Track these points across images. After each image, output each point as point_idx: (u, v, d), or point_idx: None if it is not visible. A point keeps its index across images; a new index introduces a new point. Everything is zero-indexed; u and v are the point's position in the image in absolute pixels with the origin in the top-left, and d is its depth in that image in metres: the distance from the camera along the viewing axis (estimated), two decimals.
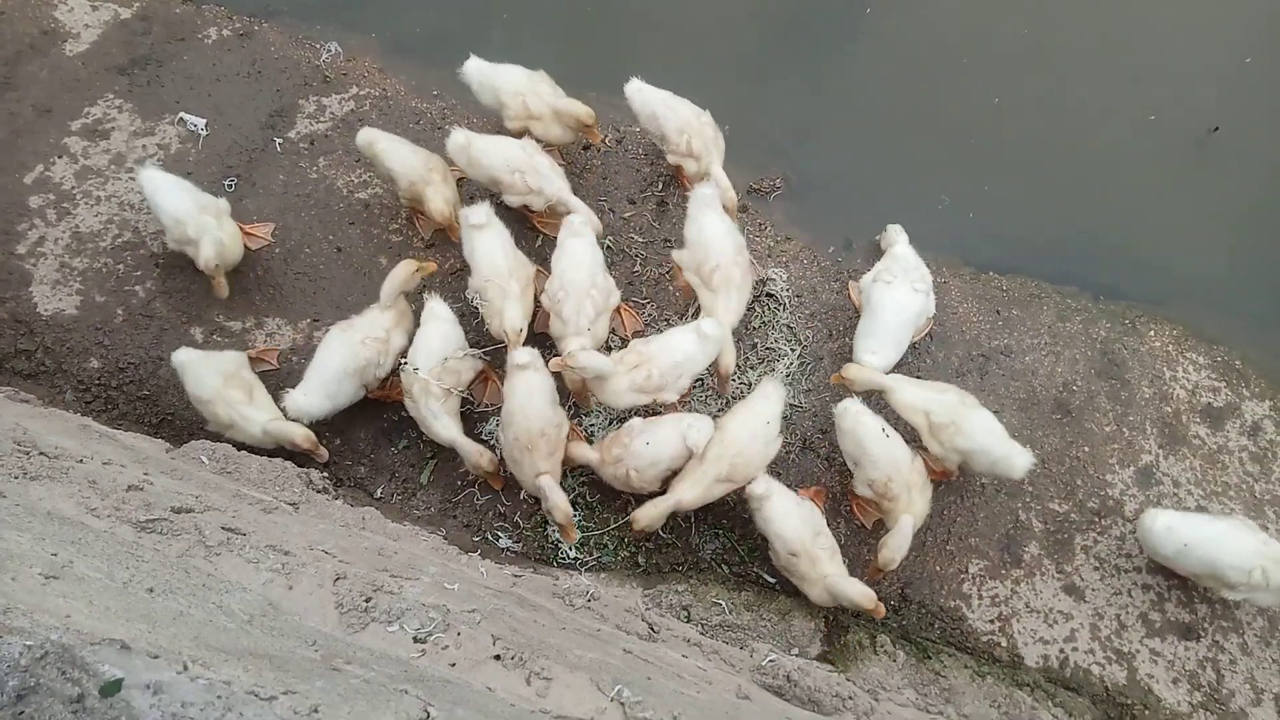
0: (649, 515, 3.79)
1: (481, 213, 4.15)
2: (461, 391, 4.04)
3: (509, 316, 3.98)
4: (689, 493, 3.79)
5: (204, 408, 3.89)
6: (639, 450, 3.81)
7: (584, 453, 3.91)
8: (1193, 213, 4.99)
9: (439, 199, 4.36)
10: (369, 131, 4.44)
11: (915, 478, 3.86)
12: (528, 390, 3.79)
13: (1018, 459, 3.89)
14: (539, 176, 4.38)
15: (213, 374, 3.89)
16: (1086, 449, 4.40)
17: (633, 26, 5.44)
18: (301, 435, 3.86)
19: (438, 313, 4.08)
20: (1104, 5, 5.47)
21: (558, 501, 3.78)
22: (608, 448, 3.89)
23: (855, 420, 3.84)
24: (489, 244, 4.13)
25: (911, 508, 3.82)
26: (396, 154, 4.40)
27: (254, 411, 3.87)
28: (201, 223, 4.15)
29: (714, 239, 4.14)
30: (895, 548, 3.75)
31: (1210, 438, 4.45)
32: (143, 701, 1.22)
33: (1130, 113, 5.19)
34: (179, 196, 4.20)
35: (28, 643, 1.13)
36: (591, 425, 4.29)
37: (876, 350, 4.14)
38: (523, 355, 3.82)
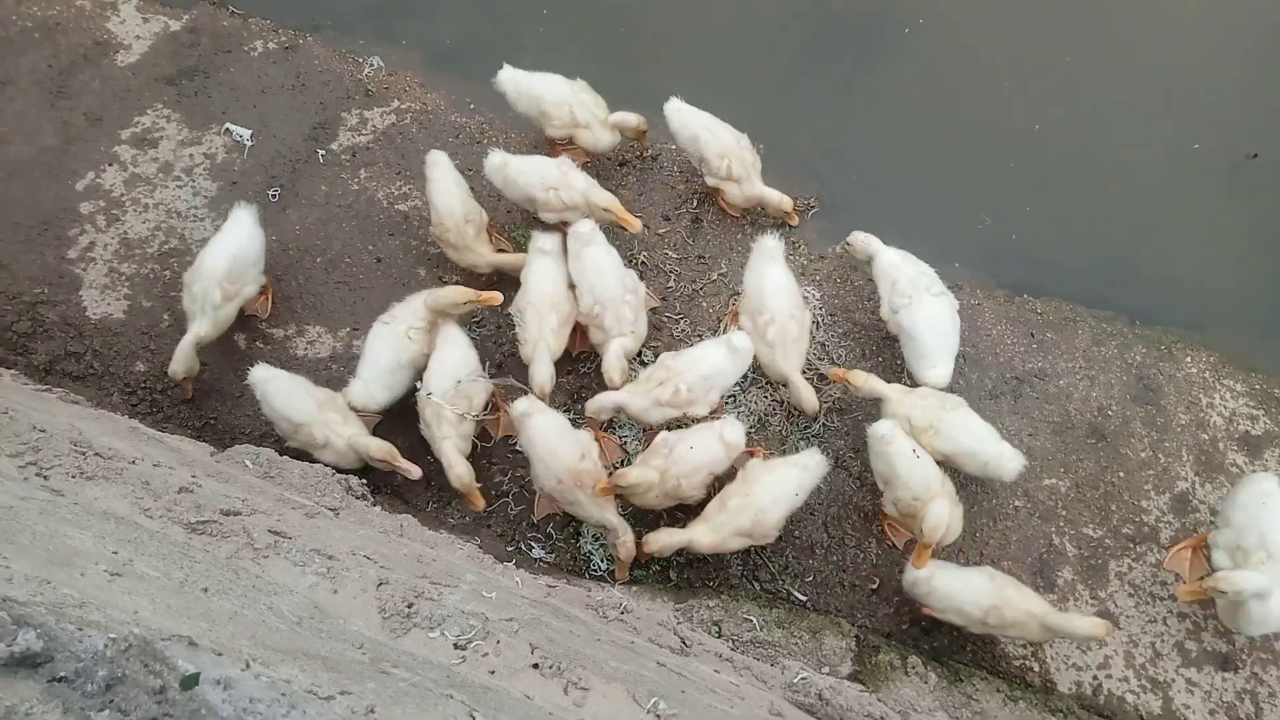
0: (661, 542, 3.80)
1: (550, 241, 4.23)
2: (475, 415, 4.04)
3: (537, 374, 3.97)
4: (705, 537, 3.79)
5: (297, 429, 3.91)
6: (684, 455, 3.83)
7: (645, 474, 3.79)
8: (1230, 238, 4.96)
9: (483, 258, 4.43)
10: (438, 155, 4.46)
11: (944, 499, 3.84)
12: (544, 434, 3.79)
13: (1008, 461, 3.88)
14: (573, 191, 4.43)
15: (307, 396, 3.93)
16: (1121, 474, 4.37)
17: (667, 43, 5.49)
18: (376, 447, 3.89)
19: (452, 337, 4.10)
20: (1143, 31, 5.47)
21: (628, 540, 3.85)
22: (647, 463, 3.91)
23: (887, 443, 3.83)
24: (545, 271, 4.18)
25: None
26: (445, 191, 4.38)
27: (347, 429, 3.92)
28: (205, 292, 4.11)
29: (772, 292, 4.14)
30: (933, 522, 3.67)
31: (1248, 466, 4.41)
32: (215, 696, 1.26)
33: (1168, 137, 5.18)
34: (222, 252, 4.18)
35: (112, 635, 1.18)
36: (625, 436, 4.32)
37: (936, 364, 4.12)
38: (520, 404, 3.84)
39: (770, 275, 4.18)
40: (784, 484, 3.81)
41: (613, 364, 4.07)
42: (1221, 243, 4.97)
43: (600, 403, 3.96)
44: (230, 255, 4.16)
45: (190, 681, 1.19)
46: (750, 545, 3.89)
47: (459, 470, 3.88)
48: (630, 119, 4.64)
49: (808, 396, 4.08)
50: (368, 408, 4.05)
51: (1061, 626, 3.58)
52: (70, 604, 1.44)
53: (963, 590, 3.67)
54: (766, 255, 4.23)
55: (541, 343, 4.04)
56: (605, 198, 4.37)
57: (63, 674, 1.08)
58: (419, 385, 4.01)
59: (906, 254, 4.36)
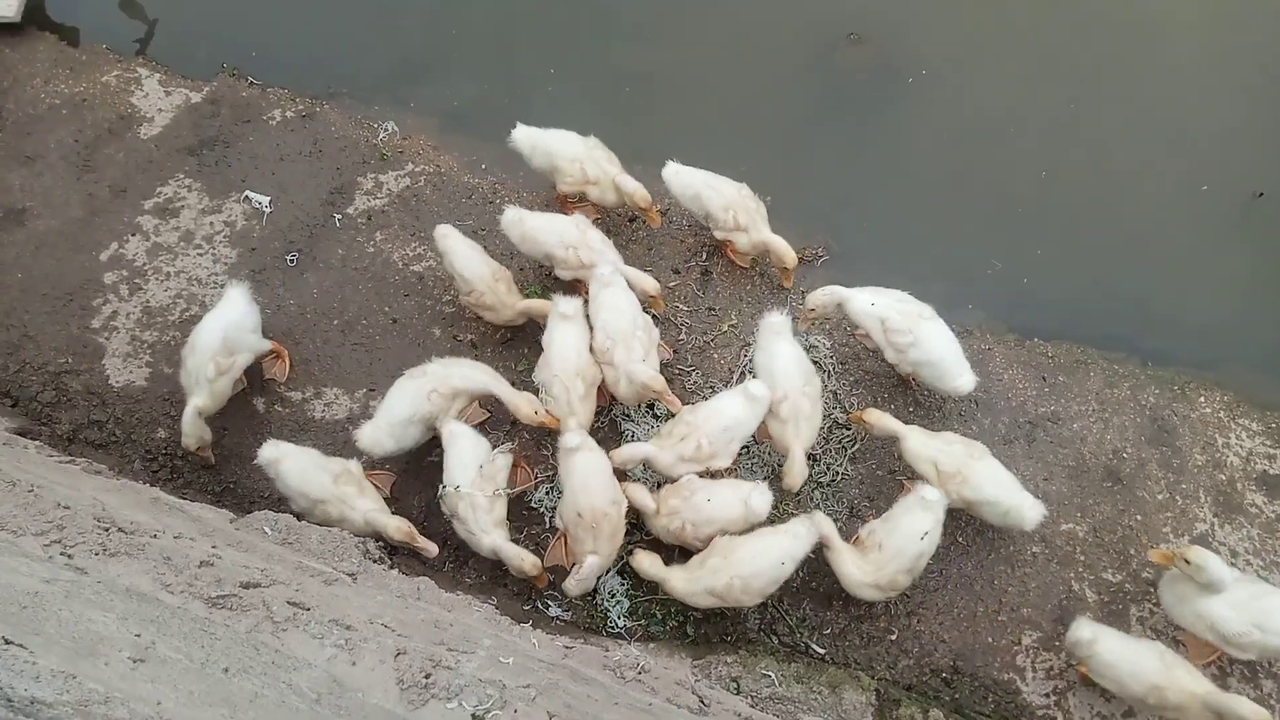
0: (641, 565, 3.90)
1: (571, 306, 4.25)
2: (507, 492, 4.09)
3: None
4: (678, 585, 3.84)
5: (314, 506, 3.97)
6: (699, 505, 3.86)
7: (642, 498, 3.90)
8: (1240, 277, 4.98)
9: (514, 308, 4.49)
10: (445, 228, 4.52)
11: (902, 579, 3.85)
12: (584, 470, 3.86)
13: (1029, 511, 3.91)
14: (591, 251, 4.52)
15: (322, 473, 3.99)
16: (1139, 518, 4.35)
17: (674, 97, 5.59)
18: (394, 527, 3.94)
19: (458, 431, 4.11)
20: (1146, 74, 5.53)
21: (577, 580, 3.83)
22: (664, 499, 3.96)
23: (925, 508, 3.81)
24: (567, 338, 4.20)
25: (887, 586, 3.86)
26: (467, 259, 4.44)
27: (363, 502, 3.98)
28: (199, 367, 4.19)
29: (783, 369, 4.14)
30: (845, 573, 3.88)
31: (1268, 506, 4.37)
32: None
33: (1174, 178, 5.22)
34: (215, 327, 4.24)
35: None
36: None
37: (960, 373, 4.22)
38: (572, 439, 3.90)
39: (780, 353, 4.17)
40: (766, 554, 3.76)
41: (638, 374, 4.09)
42: (1231, 281, 4.98)
43: (628, 454, 4.01)
44: (222, 331, 4.22)
45: None
46: (723, 607, 3.90)
47: (529, 562, 3.92)
48: (628, 185, 4.65)
49: (798, 473, 4.04)
50: (372, 452, 4.11)
51: (1225, 706, 3.46)
52: (95, 700, 1.48)
53: (1126, 663, 3.59)
54: (773, 331, 4.22)
55: (573, 419, 4.10)
56: (651, 284, 4.52)
57: None
58: (444, 486, 4.01)
59: (873, 289, 4.37)
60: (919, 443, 4.07)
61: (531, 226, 4.53)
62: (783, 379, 4.13)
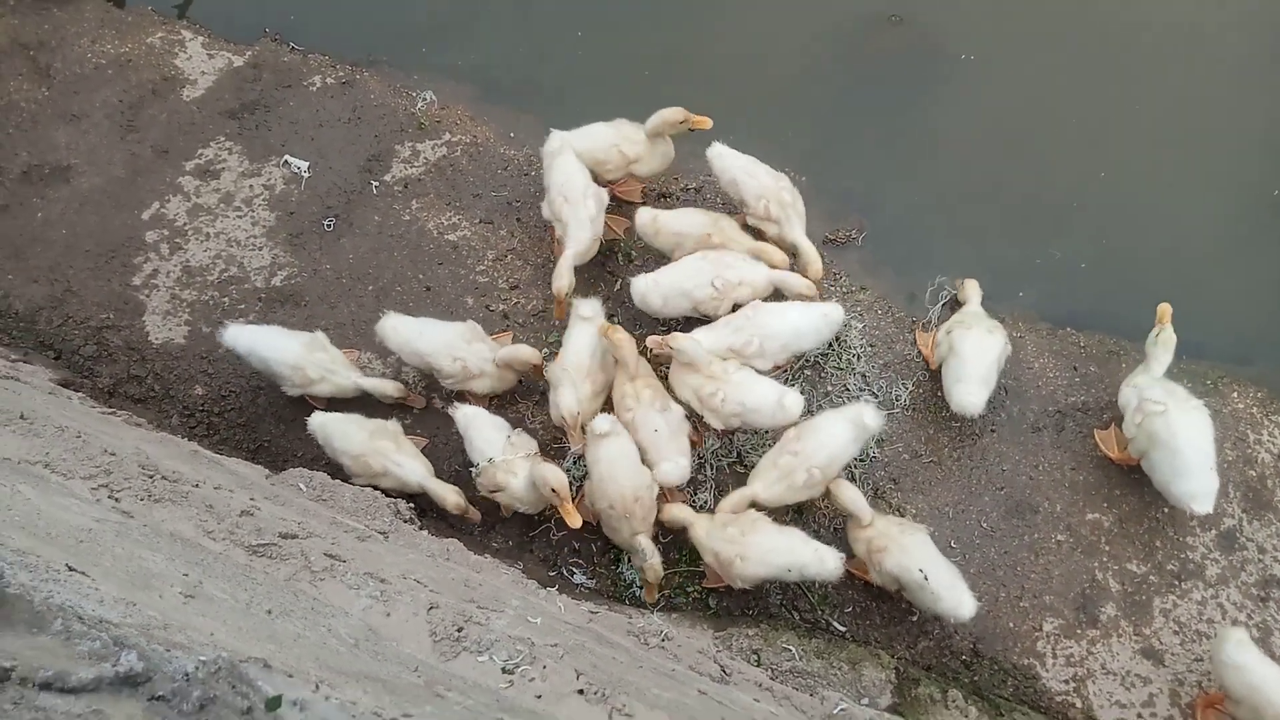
0: (671, 515, 4.05)
1: (590, 308, 4.29)
2: (535, 455, 4.14)
3: (563, 400, 4.02)
4: (700, 534, 3.94)
5: (355, 461, 4.05)
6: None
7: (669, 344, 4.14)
8: (1277, 274, 4.92)
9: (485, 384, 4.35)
10: (391, 318, 4.36)
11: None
12: (611, 457, 3.87)
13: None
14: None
15: (359, 430, 4.09)
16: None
17: (713, 71, 5.57)
18: (453, 503, 4.06)
19: (472, 414, 4.17)
20: (1191, 67, 5.46)
21: (655, 563, 3.88)
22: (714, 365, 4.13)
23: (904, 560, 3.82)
24: (584, 338, 4.22)
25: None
26: (422, 338, 4.29)
27: (408, 460, 4.07)
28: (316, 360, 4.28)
29: (825, 442, 3.99)
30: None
31: None
32: (293, 717, 1.34)
33: (1212, 174, 5.15)
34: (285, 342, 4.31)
35: (202, 658, 1.27)
36: None
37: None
38: (602, 423, 3.90)
39: (833, 433, 4.01)
40: (780, 555, 3.77)
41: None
42: (1267, 278, 4.92)
43: (679, 342, 4.09)
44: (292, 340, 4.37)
45: (274, 703, 1.28)
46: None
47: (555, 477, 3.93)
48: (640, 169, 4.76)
49: (735, 503, 4.00)
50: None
51: None
52: (155, 625, 1.54)
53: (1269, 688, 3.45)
54: (851, 417, 4.03)
55: (566, 375, 4.10)
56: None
57: (160, 693, 1.17)
58: (475, 467, 4.08)
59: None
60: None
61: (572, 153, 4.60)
62: (817, 449, 3.98)
